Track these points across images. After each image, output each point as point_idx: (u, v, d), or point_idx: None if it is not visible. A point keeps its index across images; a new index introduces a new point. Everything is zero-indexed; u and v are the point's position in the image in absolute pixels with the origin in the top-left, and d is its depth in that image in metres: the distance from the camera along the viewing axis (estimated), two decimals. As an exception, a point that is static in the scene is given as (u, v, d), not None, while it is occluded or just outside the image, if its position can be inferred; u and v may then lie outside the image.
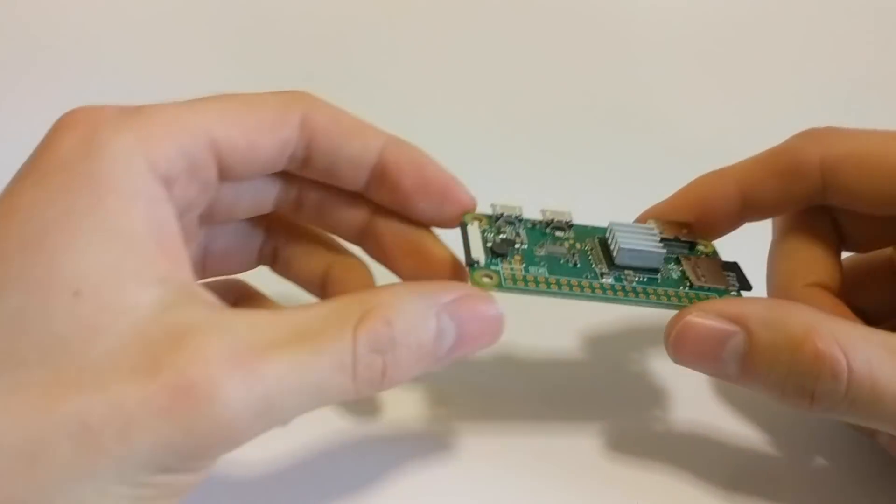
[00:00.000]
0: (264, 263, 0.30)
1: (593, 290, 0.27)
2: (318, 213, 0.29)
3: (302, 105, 0.25)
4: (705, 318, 0.25)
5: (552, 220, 0.29)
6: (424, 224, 0.28)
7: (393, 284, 0.24)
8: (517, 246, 0.28)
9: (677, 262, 0.29)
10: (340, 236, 0.29)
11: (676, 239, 0.29)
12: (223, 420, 0.19)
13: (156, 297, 0.20)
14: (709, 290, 0.28)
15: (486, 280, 0.26)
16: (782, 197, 0.29)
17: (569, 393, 0.33)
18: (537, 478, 0.29)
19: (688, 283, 0.28)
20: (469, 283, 0.26)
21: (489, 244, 0.27)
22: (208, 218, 0.27)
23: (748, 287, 0.28)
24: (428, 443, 0.30)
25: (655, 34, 0.52)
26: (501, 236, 0.28)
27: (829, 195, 0.29)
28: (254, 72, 0.49)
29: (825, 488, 0.29)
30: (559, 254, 0.28)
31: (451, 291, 0.24)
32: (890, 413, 0.23)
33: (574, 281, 0.27)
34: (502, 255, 0.27)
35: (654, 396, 0.33)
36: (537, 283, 0.26)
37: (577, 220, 0.29)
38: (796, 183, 0.29)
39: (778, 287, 0.29)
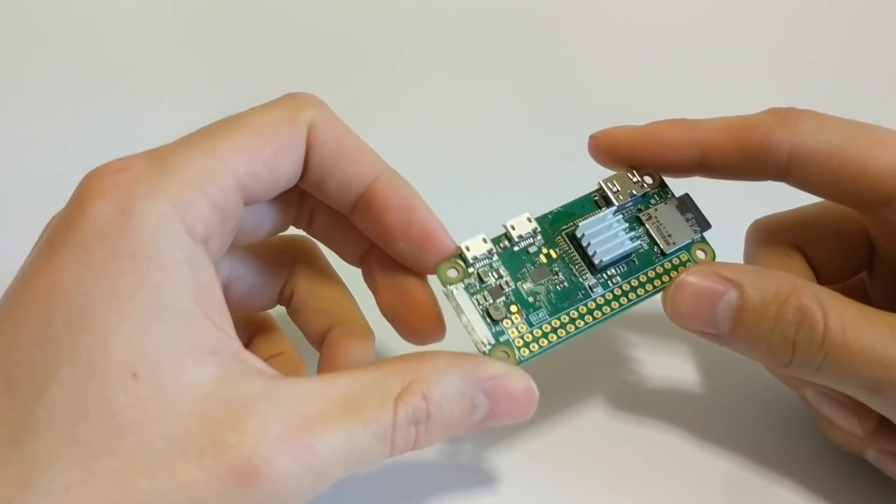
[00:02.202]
0: (282, 304, 0.30)
1: (593, 314, 0.28)
2: (324, 234, 0.30)
3: (309, 115, 0.25)
4: (701, 277, 0.27)
5: (520, 237, 0.28)
6: (398, 258, 0.28)
7: (433, 355, 0.25)
8: (506, 290, 0.28)
9: (639, 222, 0.29)
10: (343, 258, 0.30)
11: (631, 196, 0.29)
12: (283, 496, 0.20)
13: (211, 372, 0.21)
14: (678, 249, 0.29)
15: (502, 357, 0.27)
16: (740, 169, 0.29)
17: (558, 375, 0.34)
18: (530, 467, 0.31)
19: (659, 251, 0.29)
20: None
21: (481, 306, 0.27)
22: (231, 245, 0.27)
23: (707, 226, 0.30)
24: None
25: (641, 31, 0.51)
26: (486, 285, 0.28)
27: (789, 180, 0.28)
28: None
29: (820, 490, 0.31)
30: (543, 278, 0.28)
31: (489, 370, 0.25)
32: (857, 368, 0.25)
33: (574, 312, 0.28)
34: (500, 319, 0.27)
35: (646, 384, 0.35)
36: (546, 336, 0.27)
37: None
38: (760, 162, 0.28)
39: None
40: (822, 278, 0.31)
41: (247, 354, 0.22)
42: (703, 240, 0.30)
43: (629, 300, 0.28)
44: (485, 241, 0.28)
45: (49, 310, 0.20)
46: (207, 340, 0.21)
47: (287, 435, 0.20)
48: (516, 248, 0.28)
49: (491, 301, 0.27)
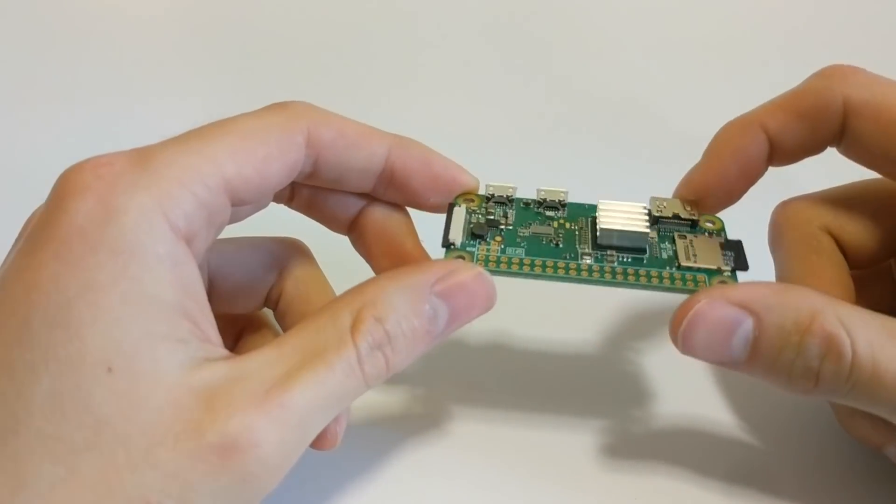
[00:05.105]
0: (269, 307, 0.30)
1: (568, 271, 0.26)
2: (307, 207, 0.29)
3: (305, 121, 0.25)
4: (715, 305, 0.24)
5: (545, 200, 0.29)
6: (434, 211, 0.29)
7: (376, 277, 0.25)
8: (501, 227, 0.28)
9: (672, 241, 0.28)
10: (329, 228, 0.30)
11: (676, 217, 0.28)
12: (270, 459, 0.21)
13: (179, 361, 0.21)
14: (697, 270, 0.26)
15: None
16: (808, 140, 0.28)
17: (559, 382, 0.33)
18: (530, 469, 0.29)
19: (675, 264, 0.27)
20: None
21: (471, 225, 0.28)
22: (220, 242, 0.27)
23: (744, 267, 0.26)
24: (421, 433, 0.31)
25: (651, 26, 0.52)
26: (489, 217, 0.28)
27: (844, 140, 0.28)
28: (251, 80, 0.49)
29: (823, 491, 0.29)
30: (544, 234, 0.28)
31: (433, 272, 0.24)
32: (889, 395, 0.23)
33: (550, 262, 0.27)
34: (481, 237, 0.27)
35: (646, 384, 0.32)
36: (510, 264, 0.27)
37: (576, 199, 0.29)
38: (821, 124, 0.27)
39: None
40: (851, 262, 0.29)
41: (208, 344, 0.22)
42: (733, 276, 0.26)
43: (614, 279, 0.26)
44: (511, 189, 0.29)
45: (27, 308, 0.20)
46: (178, 330, 0.21)
47: (257, 401, 0.21)
48: (537, 210, 0.29)
49: (482, 226, 0.28)
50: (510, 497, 0.28)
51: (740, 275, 0.26)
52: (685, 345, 0.25)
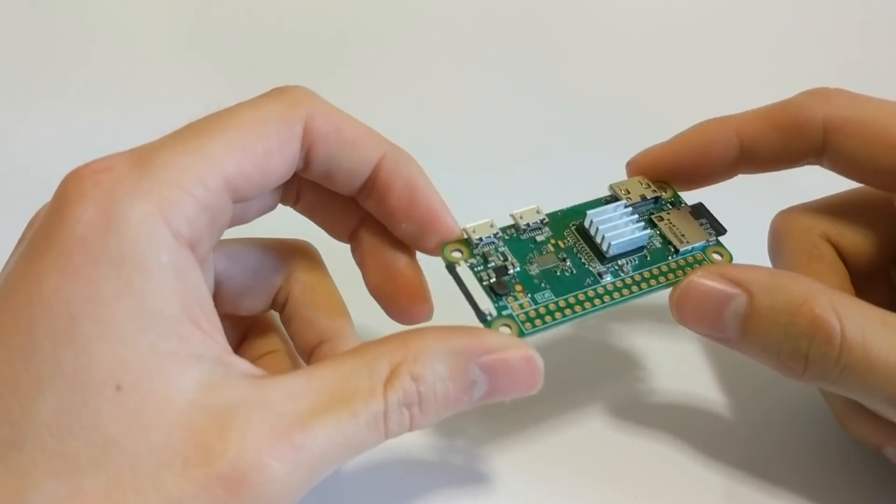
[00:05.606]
0: (276, 310, 0.29)
1: (602, 298, 0.27)
2: (311, 211, 0.28)
3: (303, 111, 0.24)
4: (709, 279, 0.26)
5: (528, 225, 0.28)
6: (404, 242, 0.28)
7: (423, 332, 0.23)
8: (511, 272, 0.27)
9: (652, 224, 0.29)
10: (330, 234, 0.29)
11: (643, 199, 0.29)
12: (276, 497, 0.20)
13: (195, 379, 0.20)
14: (692, 249, 0.28)
15: (504, 330, 0.26)
16: (781, 151, 0.29)
17: (564, 381, 0.33)
18: (527, 469, 0.30)
19: (672, 249, 0.28)
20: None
21: (485, 283, 0.26)
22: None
23: (722, 231, 0.29)
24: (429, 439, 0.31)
25: (637, 25, 0.51)
26: (490, 265, 0.27)
27: (826, 156, 0.28)
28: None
29: (824, 491, 0.30)
30: (552, 266, 0.27)
31: (483, 343, 0.24)
32: (880, 382, 0.23)
33: (581, 295, 0.27)
34: (504, 294, 0.26)
35: (645, 384, 0.34)
36: (552, 314, 0.26)
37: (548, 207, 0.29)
38: (797, 138, 0.28)
39: None
40: (851, 268, 0.29)
41: (231, 357, 0.22)
42: (719, 243, 0.29)
43: (640, 289, 0.27)
44: (491, 225, 0.28)
45: (30, 320, 0.20)
46: (191, 345, 0.21)
47: (274, 436, 0.20)
48: (523, 237, 0.28)
49: (495, 278, 0.27)
50: (509, 497, 0.29)
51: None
52: (679, 311, 0.26)
